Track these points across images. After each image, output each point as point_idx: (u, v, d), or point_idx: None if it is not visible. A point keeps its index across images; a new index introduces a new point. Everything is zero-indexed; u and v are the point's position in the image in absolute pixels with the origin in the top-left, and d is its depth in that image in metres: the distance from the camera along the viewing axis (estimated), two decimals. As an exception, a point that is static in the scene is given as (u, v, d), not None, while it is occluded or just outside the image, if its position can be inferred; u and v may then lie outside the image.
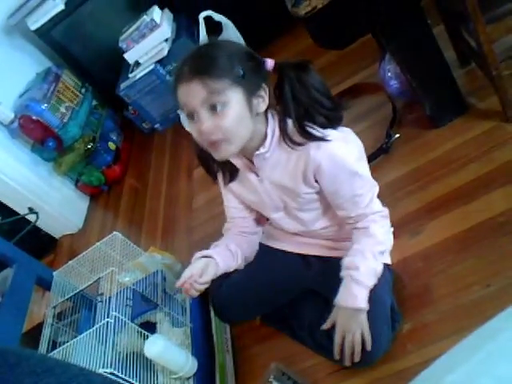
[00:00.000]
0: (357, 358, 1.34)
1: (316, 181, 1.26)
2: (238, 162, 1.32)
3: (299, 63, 1.20)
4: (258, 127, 1.21)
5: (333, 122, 1.22)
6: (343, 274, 1.32)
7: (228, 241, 1.48)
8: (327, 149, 1.19)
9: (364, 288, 1.29)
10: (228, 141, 1.15)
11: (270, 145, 1.24)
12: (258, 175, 1.33)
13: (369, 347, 1.32)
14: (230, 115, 1.12)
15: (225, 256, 1.43)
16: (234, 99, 1.12)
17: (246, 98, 1.14)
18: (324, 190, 1.28)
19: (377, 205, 1.33)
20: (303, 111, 1.19)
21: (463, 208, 1.58)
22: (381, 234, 1.33)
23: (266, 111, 1.22)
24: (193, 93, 1.11)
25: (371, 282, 1.30)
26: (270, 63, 1.18)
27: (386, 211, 1.35)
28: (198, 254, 1.41)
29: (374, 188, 1.32)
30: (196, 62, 1.13)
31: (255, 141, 1.23)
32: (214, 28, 2.60)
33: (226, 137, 1.14)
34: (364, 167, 1.29)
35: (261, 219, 1.56)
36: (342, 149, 1.21)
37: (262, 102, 1.18)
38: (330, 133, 1.20)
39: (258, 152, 1.24)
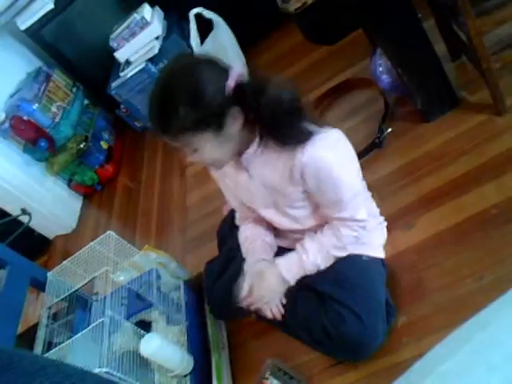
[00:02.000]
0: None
1: (302, 179, 1.26)
2: (227, 168, 1.34)
3: (254, 88, 1.12)
4: (244, 134, 1.21)
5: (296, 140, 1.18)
6: (298, 249, 1.41)
7: (257, 235, 1.53)
8: (312, 154, 1.18)
9: (303, 271, 1.41)
10: (214, 163, 1.28)
11: (259, 145, 1.24)
12: (248, 173, 1.33)
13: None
14: (206, 153, 1.18)
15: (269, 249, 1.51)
16: (203, 142, 1.15)
17: (216, 134, 1.14)
18: (308, 190, 1.28)
19: (361, 213, 1.33)
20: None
21: (456, 201, 1.58)
22: (348, 243, 1.38)
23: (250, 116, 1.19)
24: (169, 142, 1.18)
25: (310, 271, 1.41)
26: (229, 85, 1.11)
27: (368, 222, 1.36)
28: (252, 259, 1.47)
29: (359, 196, 1.32)
30: (157, 121, 1.15)
31: (244, 144, 1.24)
32: (204, 25, 2.60)
33: (211, 163, 1.27)
34: (350, 173, 1.27)
35: None
36: (328, 155, 1.19)
37: (235, 122, 1.16)
38: (316, 137, 1.19)
39: (245, 154, 1.26)
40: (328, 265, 1.41)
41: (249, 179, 1.34)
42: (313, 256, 1.38)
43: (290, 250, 1.54)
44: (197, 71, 1.11)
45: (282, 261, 1.42)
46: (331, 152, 1.20)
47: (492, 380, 0.38)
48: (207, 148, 1.16)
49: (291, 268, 1.41)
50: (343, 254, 1.41)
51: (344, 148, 1.28)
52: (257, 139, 1.23)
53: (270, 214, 1.45)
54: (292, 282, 1.41)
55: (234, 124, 1.15)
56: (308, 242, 1.40)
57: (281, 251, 1.55)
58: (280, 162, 1.24)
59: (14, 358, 0.47)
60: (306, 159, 1.19)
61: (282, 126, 1.16)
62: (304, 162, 1.19)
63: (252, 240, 1.53)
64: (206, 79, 1.10)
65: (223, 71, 1.13)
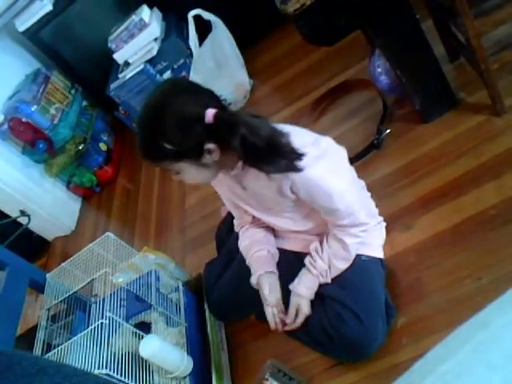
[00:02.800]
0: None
1: (293, 192, 1.27)
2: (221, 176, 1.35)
3: (230, 124, 1.12)
4: (224, 160, 1.23)
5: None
6: (311, 271, 1.42)
7: (258, 245, 1.54)
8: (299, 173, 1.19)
9: (316, 287, 1.44)
10: (198, 184, 1.34)
11: (243, 168, 1.26)
12: (241, 185, 1.35)
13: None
14: (186, 178, 1.25)
15: (272, 260, 1.53)
16: (182, 168, 1.20)
17: (194, 163, 1.19)
18: (303, 199, 1.29)
19: (361, 217, 1.33)
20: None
21: (454, 202, 1.58)
22: (353, 249, 1.39)
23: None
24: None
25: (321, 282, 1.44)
26: (208, 117, 1.12)
27: (369, 225, 1.38)
28: (258, 272, 1.50)
29: (356, 202, 1.31)
30: (140, 145, 1.20)
31: (226, 167, 1.27)
32: (203, 27, 2.60)
33: (194, 184, 1.30)
34: (341, 183, 1.26)
35: None
36: (314, 170, 1.19)
37: (212, 155, 1.18)
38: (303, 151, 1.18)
39: (232, 172, 1.28)
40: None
41: (243, 191, 1.37)
42: (326, 274, 1.42)
43: (285, 251, 1.56)
44: (181, 106, 1.13)
45: (304, 289, 1.44)
46: (318, 166, 1.20)
47: (492, 379, 0.38)
48: (186, 173, 1.22)
49: (312, 291, 1.45)
50: (349, 263, 1.42)
51: (332, 158, 1.26)
52: (239, 163, 1.25)
53: (268, 218, 1.46)
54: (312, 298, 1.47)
55: (211, 156, 1.18)
56: (320, 263, 1.41)
57: (283, 254, 1.56)
58: (269, 178, 1.24)
59: (13, 359, 0.47)
60: (293, 178, 1.21)
61: (259, 163, 1.18)
62: (291, 181, 1.22)
63: (255, 251, 1.53)
64: (189, 114, 1.12)
65: (205, 104, 1.13)
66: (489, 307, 0.46)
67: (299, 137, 1.21)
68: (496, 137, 1.64)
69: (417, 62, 1.71)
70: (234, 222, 1.63)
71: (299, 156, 1.15)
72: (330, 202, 1.25)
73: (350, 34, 1.73)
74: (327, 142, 1.28)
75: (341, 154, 1.33)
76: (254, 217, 1.55)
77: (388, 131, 1.93)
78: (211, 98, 1.17)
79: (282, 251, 1.57)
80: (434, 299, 1.41)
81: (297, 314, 1.45)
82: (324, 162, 1.21)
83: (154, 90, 1.19)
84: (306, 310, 1.44)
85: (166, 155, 1.16)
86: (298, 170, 1.16)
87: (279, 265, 1.54)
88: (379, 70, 1.95)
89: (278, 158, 1.15)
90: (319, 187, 1.21)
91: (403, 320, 1.43)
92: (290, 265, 1.52)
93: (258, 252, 1.52)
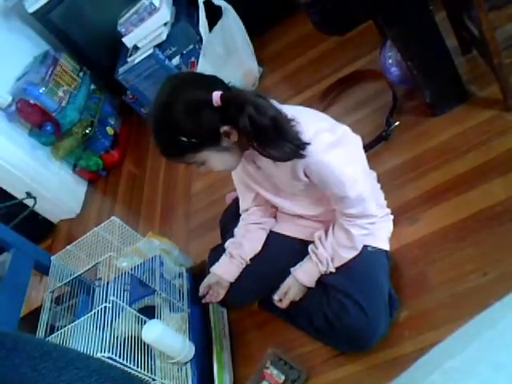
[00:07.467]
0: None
1: (306, 175, 1.27)
2: None
3: (237, 103, 1.12)
4: (244, 139, 1.22)
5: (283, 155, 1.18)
6: (313, 258, 1.43)
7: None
8: (313, 155, 1.19)
9: (317, 276, 1.45)
10: (225, 170, 1.32)
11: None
12: (255, 164, 1.35)
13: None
14: (211, 166, 1.25)
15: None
16: (206, 158, 1.21)
17: (216, 149, 1.20)
18: (315, 184, 1.29)
19: (370, 208, 1.33)
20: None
21: (462, 197, 1.57)
22: (359, 242, 1.39)
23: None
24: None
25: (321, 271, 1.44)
26: (215, 99, 1.12)
27: (376, 218, 1.38)
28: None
29: (366, 191, 1.31)
30: (158, 145, 1.21)
31: (247, 145, 1.26)
32: (213, 13, 2.58)
33: (222, 171, 1.30)
34: (355, 169, 1.27)
35: None
36: (329, 156, 1.20)
37: (230, 137, 1.19)
38: (318, 138, 1.19)
39: (247, 152, 1.28)
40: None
41: (256, 170, 1.36)
42: (326, 262, 1.42)
43: (291, 238, 1.56)
44: (187, 96, 1.14)
45: (301, 274, 1.46)
46: (332, 153, 1.20)
47: (498, 379, 0.38)
48: (211, 161, 1.22)
49: (310, 278, 1.46)
50: (355, 253, 1.42)
51: (347, 145, 1.27)
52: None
53: (278, 200, 1.47)
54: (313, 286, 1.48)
55: (229, 139, 1.19)
56: (321, 250, 1.42)
57: (284, 241, 1.57)
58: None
59: (19, 342, 0.47)
60: (307, 162, 1.20)
61: (266, 146, 1.17)
62: (305, 164, 1.22)
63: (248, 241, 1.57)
64: (196, 102, 1.14)
65: (210, 88, 1.14)
66: (496, 305, 0.46)
67: (317, 121, 1.21)
68: (506, 132, 1.62)
69: (429, 54, 1.69)
70: (240, 203, 1.62)
71: (304, 143, 1.16)
72: (341, 189, 1.25)
73: (362, 24, 1.72)
74: (344, 129, 1.29)
75: (356, 142, 1.32)
76: (261, 203, 1.55)
77: (397, 123, 1.91)
78: (215, 82, 1.19)
79: (287, 238, 1.57)
80: (438, 293, 1.41)
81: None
82: (339, 148, 1.22)
83: (159, 91, 1.19)
84: (292, 294, 1.47)
85: (185, 149, 1.17)
86: (302, 156, 1.17)
87: (284, 251, 1.55)
88: (390, 61, 1.93)
89: (284, 141, 1.15)
90: (332, 173, 1.22)
91: (406, 313, 1.43)
92: (295, 252, 1.53)
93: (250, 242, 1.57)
